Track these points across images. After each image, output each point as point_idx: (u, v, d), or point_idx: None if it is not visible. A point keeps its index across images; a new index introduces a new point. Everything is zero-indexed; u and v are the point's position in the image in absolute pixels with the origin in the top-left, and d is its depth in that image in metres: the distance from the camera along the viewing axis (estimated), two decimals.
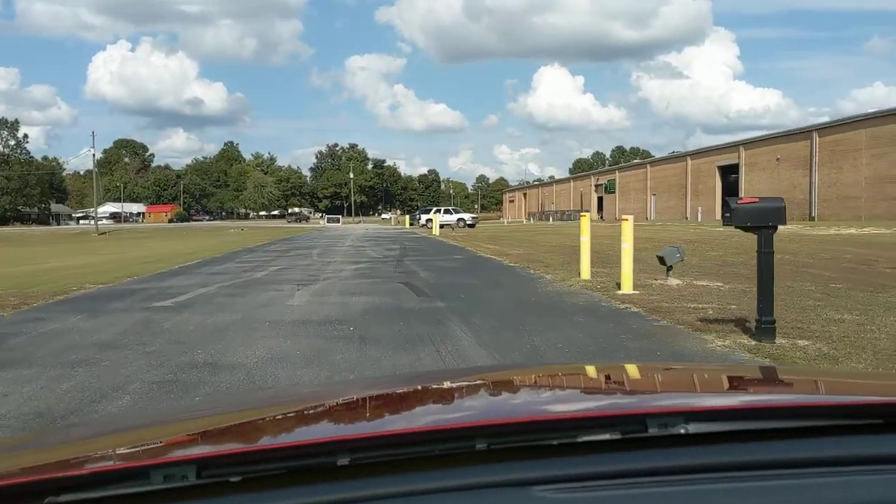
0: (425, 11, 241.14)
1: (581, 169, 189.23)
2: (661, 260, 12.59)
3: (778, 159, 52.90)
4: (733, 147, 60.90)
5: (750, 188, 56.60)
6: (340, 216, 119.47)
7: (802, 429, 1.06)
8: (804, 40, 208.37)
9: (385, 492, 0.93)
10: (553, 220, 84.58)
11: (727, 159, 61.30)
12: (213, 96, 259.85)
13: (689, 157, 69.09)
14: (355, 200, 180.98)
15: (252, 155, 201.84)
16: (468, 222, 60.82)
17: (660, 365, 4.25)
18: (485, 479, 0.95)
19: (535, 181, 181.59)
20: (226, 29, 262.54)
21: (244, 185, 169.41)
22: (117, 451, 1.24)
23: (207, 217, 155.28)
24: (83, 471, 1.03)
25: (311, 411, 1.51)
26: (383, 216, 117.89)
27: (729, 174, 61.36)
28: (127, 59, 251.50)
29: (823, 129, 49.63)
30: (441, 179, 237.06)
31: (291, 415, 1.48)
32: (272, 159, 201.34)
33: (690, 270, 14.78)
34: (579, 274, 14.15)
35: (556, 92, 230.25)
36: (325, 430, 1.34)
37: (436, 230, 43.56)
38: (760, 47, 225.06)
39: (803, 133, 51.08)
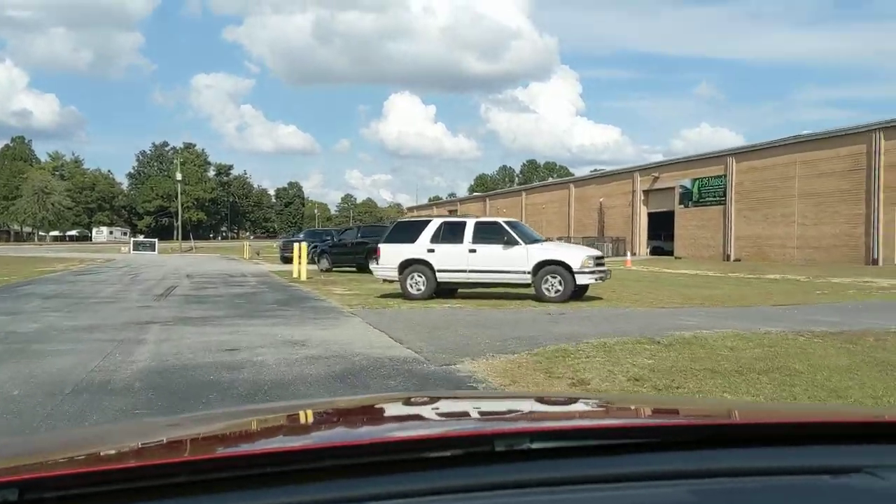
0: (274, 32, 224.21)
1: (484, 186, 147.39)
2: None
3: None
4: None
5: None
6: (157, 241, 71.15)
7: (628, 445, 1.15)
8: (640, 82, 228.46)
9: None
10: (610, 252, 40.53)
11: None
12: (44, 108, 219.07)
13: None
14: (190, 218, 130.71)
15: (49, 155, 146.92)
16: (590, 273, 15.50)
17: (508, 393, 5.39)
18: (324, 497, 0.97)
19: (441, 198, 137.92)
20: (59, 38, 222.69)
21: (21, 192, 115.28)
22: None
23: None
24: None
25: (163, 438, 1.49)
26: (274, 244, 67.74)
27: None
28: None
29: None
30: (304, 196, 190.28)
31: (135, 442, 1.45)
32: (77, 162, 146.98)
33: None
34: None
35: (408, 119, 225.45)
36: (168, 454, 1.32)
37: None
38: (601, 86, 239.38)
39: None
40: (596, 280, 15.59)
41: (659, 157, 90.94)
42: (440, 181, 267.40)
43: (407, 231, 17.02)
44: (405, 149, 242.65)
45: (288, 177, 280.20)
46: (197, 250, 71.51)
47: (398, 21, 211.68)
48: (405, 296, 16.40)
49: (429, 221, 16.87)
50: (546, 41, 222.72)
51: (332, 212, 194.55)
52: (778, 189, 37.84)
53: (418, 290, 16.34)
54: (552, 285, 15.35)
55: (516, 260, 15.69)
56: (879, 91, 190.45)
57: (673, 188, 46.22)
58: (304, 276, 25.07)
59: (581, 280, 15.38)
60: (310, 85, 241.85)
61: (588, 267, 15.43)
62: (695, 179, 44.21)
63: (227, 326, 11.44)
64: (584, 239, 51.00)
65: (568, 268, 15.32)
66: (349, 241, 31.80)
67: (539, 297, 15.46)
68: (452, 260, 16.16)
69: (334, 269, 30.81)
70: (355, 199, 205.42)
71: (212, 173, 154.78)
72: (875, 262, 31.82)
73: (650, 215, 49.27)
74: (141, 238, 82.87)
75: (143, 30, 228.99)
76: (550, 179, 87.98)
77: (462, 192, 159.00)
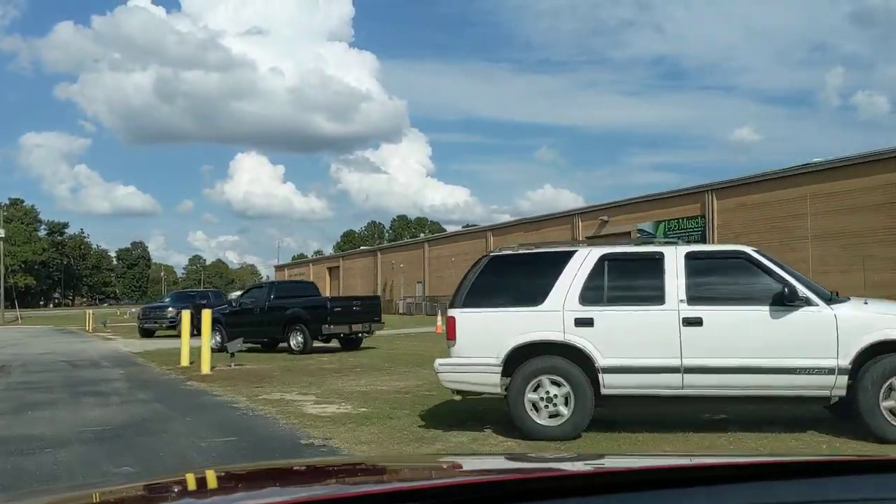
0: (112, 90, 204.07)
1: (353, 243, 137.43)
2: None
3: None
4: None
5: None
6: None
7: None
8: (487, 146, 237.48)
9: None
10: None
11: None
12: None
13: None
14: (16, 284, 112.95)
15: None
16: None
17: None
18: None
19: (315, 253, 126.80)
20: None
21: None
22: None
23: None
24: None
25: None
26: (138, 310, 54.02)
27: None
28: None
29: None
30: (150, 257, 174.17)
31: None
32: None
33: None
34: None
35: (255, 179, 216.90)
36: None
37: None
38: (450, 149, 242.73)
39: None
40: None
41: (507, 217, 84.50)
42: (290, 242, 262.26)
43: (520, 276, 7.63)
44: (253, 209, 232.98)
45: (127, 239, 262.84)
46: (24, 321, 57.89)
47: (244, 81, 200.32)
48: (521, 430, 7.10)
49: (570, 254, 7.57)
50: (396, 104, 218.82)
51: (179, 275, 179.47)
52: (782, 230, 30.98)
53: (554, 416, 7.06)
54: None
55: (811, 341, 6.72)
56: (704, 156, 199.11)
57: (628, 233, 38.77)
58: (206, 367, 15.00)
59: None
60: (150, 144, 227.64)
61: None
62: (658, 222, 36.96)
63: None
64: None
65: None
66: (256, 305, 21.74)
67: (875, 432, 6.54)
68: (640, 343, 7.00)
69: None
70: (204, 260, 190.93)
71: (43, 233, 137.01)
72: None
73: None
74: None
75: None
76: (461, 228, 79.99)
77: (327, 250, 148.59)
